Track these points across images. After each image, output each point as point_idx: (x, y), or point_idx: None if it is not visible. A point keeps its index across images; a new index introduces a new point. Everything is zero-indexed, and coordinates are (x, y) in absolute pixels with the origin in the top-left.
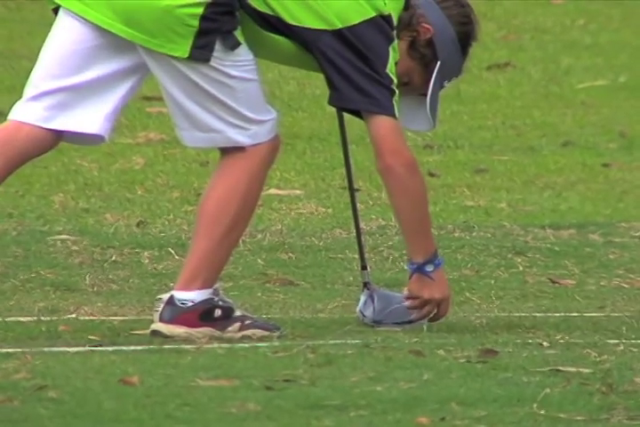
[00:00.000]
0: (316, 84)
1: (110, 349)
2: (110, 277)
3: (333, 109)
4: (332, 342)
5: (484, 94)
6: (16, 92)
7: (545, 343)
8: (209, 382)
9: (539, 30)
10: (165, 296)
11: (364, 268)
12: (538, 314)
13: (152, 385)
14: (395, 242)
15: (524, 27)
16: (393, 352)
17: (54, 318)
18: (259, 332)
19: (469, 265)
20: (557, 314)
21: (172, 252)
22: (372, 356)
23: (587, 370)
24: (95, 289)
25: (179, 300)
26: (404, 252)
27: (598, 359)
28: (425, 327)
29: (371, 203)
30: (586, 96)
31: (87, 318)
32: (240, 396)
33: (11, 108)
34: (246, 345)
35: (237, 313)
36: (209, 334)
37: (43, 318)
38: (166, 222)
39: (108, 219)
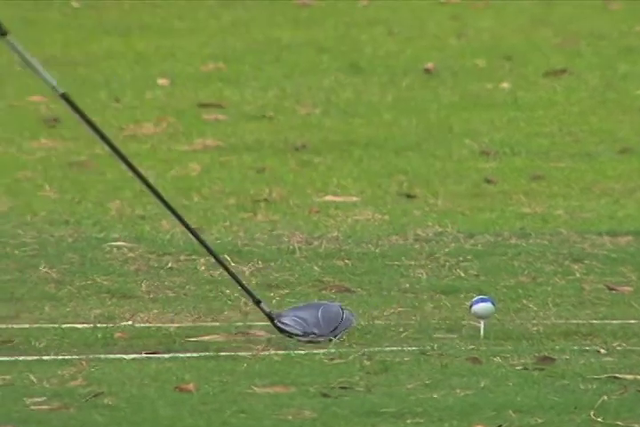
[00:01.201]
0: (373, 91)
1: (166, 356)
2: (166, 283)
3: (390, 116)
4: (388, 348)
5: (541, 101)
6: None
7: (602, 350)
8: (265, 390)
9: (595, 36)
10: None
11: (258, 302)
12: (595, 321)
13: (208, 392)
14: (451, 249)
15: (581, 33)
16: (449, 359)
17: (110, 324)
18: None
19: (526, 272)
20: (615, 321)
21: (228, 258)
22: (428, 363)
23: None
24: (151, 296)
25: None
26: (460, 258)
27: None
28: (482, 334)
29: (427, 209)
30: None
31: (143, 324)
32: (296, 403)
33: (65, 115)
34: (302, 352)
35: None
36: None
37: (99, 324)
38: (222, 229)
39: (165, 226)
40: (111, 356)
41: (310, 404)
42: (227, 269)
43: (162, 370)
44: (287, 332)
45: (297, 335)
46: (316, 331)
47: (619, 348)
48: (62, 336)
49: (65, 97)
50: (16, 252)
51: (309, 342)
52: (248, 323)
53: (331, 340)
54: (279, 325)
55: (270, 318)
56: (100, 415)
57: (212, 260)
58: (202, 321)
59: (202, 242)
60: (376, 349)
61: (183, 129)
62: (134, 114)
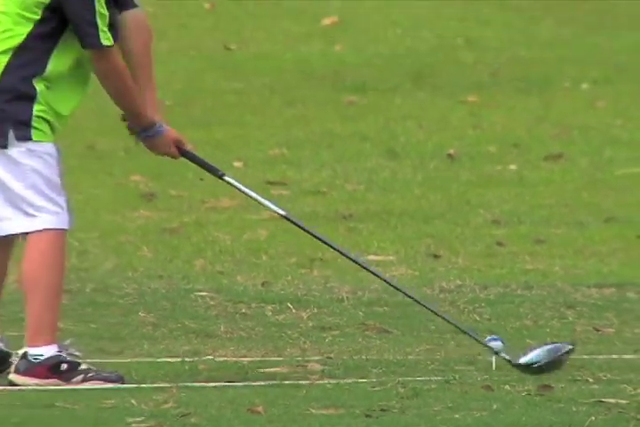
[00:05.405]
0: (406, 171)
1: (240, 384)
2: (240, 326)
3: (420, 191)
4: (418, 378)
5: (542, 180)
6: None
7: (590, 380)
8: (320, 411)
9: (585, 128)
10: (20, 352)
11: (497, 353)
12: (585, 356)
13: (274, 413)
14: (469, 298)
15: (574, 125)
16: (468, 387)
17: (196, 358)
18: (99, 383)
19: (529, 316)
20: (601, 356)
21: (290, 306)
22: (451, 390)
23: (624, 401)
24: (228, 336)
25: (31, 355)
26: (476, 306)
27: (633, 393)
28: (494, 367)
29: (449, 266)
30: (625, 181)
31: (222, 359)
32: (345, 422)
33: (160, 191)
34: (350, 381)
35: (83, 367)
36: (55, 384)
37: (186, 359)
38: (286, 282)
39: (239, 280)
40: (196, 384)
41: (356, 423)
42: (441, 316)
43: (237, 395)
44: (535, 365)
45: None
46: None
47: (604, 378)
48: (157, 368)
49: (288, 218)
50: (120, 301)
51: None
52: (306, 358)
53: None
54: (522, 366)
55: (509, 361)
56: None
57: (278, 307)
58: (269, 356)
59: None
60: (409, 378)
61: (254, 202)
62: (215, 190)
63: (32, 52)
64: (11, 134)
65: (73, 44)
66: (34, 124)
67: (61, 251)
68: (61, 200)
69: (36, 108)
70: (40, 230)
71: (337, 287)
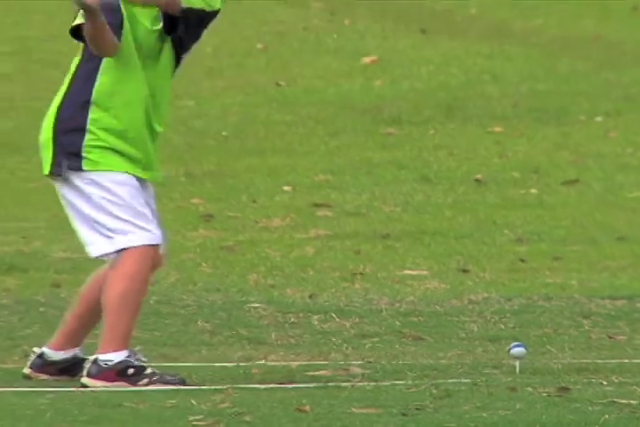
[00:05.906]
0: (438, 195)
1: (289, 386)
2: (289, 334)
3: (450, 213)
4: (450, 380)
5: (560, 202)
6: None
7: (604, 382)
8: (360, 410)
9: (599, 156)
10: (92, 357)
11: None
12: (599, 361)
13: (319, 412)
14: (495, 309)
15: (589, 153)
16: (494, 388)
17: (249, 363)
18: (163, 386)
19: (549, 325)
20: (613, 361)
21: (334, 316)
22: (479, 391)
23: (635, 402)
24: (279, 343)
25: (101, 360)
26: (501, 316)
27: None
28: (517, 370)
29: (477, 280)
30: (634, 204)
31: (273, 363)
32: (383, 420)
33: (217, 212)
34: (387, 383)
35: (148, 371)
36: (122, 386)
37: (241, 363)
38: (330, 294)
39: (288, 292)
40: (250, 386)
41: (393, 421)
42: None
43: (286, 396)
44: None
45: None
46: None
47: (616, 380)
48: (214, 372)
49: None
50: (181, 311)
51: None
52: (348, 362)
53: None
54: None
55: None
56: None
57: (323, 316)
58: (315, 361)
59: None
60: (441, 380)
61: (302, 222)
62: (267, 211)
63: (80, 79)
64: (64, 164)
65: (117, 61)
66: (84, 154)
67: (143, 267)
68: (140, 220)
69: (88, 138)
70: (120, 249)
71: (376, 299)
